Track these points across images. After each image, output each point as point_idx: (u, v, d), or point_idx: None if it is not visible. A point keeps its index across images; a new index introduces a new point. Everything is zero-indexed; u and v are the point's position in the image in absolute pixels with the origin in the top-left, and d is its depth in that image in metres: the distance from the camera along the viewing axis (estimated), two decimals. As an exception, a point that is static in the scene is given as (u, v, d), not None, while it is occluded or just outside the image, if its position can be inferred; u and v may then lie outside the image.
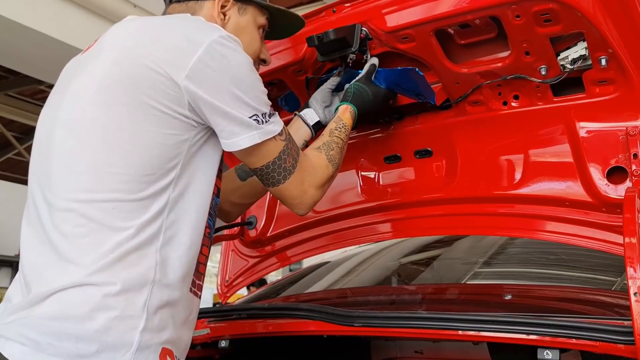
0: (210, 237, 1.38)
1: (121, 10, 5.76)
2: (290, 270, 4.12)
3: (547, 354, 1.32)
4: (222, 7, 1.46)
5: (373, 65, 1.74)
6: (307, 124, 1.68)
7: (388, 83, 1.75)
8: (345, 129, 1.58)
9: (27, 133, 11.27)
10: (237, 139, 1.27)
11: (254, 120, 1.26)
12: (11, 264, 7.93)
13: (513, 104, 1.74)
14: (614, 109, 1.58)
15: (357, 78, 1.71)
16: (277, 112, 1.33)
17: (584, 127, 1.62)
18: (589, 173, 1.60)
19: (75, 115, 1.25)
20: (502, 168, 1.79)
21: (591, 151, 1.60)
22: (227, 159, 2.06)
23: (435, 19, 1.59)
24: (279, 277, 2.90)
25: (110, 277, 1.14)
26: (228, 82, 1.23)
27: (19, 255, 1.33)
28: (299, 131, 1.66)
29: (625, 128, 1.56)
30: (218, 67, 1.22)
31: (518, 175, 1.74)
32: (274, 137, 1.30)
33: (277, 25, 1.60)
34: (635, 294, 1.21)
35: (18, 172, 11.74)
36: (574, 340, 1.30)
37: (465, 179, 1.84)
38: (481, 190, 1.82)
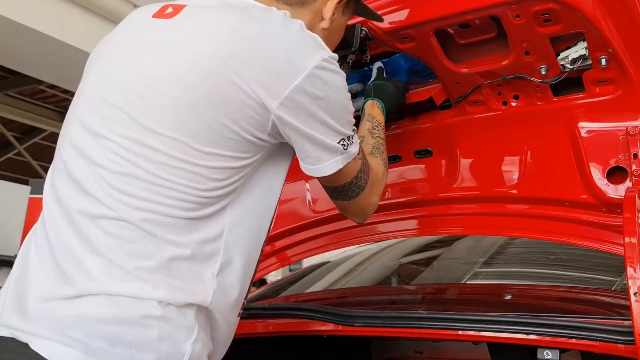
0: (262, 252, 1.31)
1: (121, 10, 5.76)
2: (290, 270, 4.12)
3: (547, 353, 1.32)
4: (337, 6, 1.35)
5: (380, 67, 1.76)
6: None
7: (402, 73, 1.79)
8: (380, 126, 1.56)
9: (27, 133, 11.27)
10: (322, 166, 1.22)
11: (341, 145, 1.21)
12: (11, 264, 7.90)
13: (513, 103, 1.73)
14: (614, 109, 1.58)
15: (371, 80, 1.73)
16: (355, 130, 1.28)
17: (584, 127, 1.62)
18: (589, 173, 1.59)
19: (144, 117, 1.12)
20: (502, 168, 1.79)
21: (591, 151, 1.60)
22: None
23: (435, 18, 1.59)
24: (279, 277, 2.90)
25: (166, 297, 1.07)
26: (323, 110, 1.17)
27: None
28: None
29: (625, 128, 1.56)
30: (316, 95, 1.15)
31: (518, 175, 1.74)
32: (354, 158, 1.26)
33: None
34: (635, 293, 1.21)
35: (18, 172, 11.75)
36: (574, 340, 1.30)
37: (465, 179, 1.84)
38: (481, 190, 1.82)
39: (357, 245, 2.56)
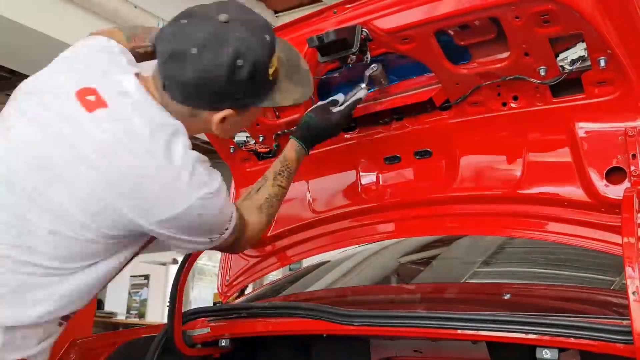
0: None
1: (122, 10, 5.76)
2: (290, 270, 4.12)
3: (546, 353, 1.33)
4: (223, 119, 1.41)
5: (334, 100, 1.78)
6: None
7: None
8: (288, 171, 1.65)
9: (26, 133, 11.25)
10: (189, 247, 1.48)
11: (215, 237, 1.44)
12: (11, 264, 7.88)
13: (512, 104, 1.74)
14: (612, 110, 1.58)
15: (312, 107, 1.76)
16: (234, 210, 1.46)
17: (583, 128, 1.62)
18: (588, 173, 1.60)
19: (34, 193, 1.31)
20: (501, 168, 1.80)
21: (590, 152, 1.61)
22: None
23: (436, 19, 1.59)
24: (279, 277, 2.91)
25: None
26: (197, 226, 1.38)
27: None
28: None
29: (624, 129, 1.56)
30: (187, 225, 1.36)
31: (517, 176, 1.74)
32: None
33: None
34: (633, 293, 1.22)
35: (18, 172, 11.72)
36: (572, 340, 1.30)
37: (464, 180, 1.84)
38: (480, 191, 1.82)
39: (357, 245, 2.57)
